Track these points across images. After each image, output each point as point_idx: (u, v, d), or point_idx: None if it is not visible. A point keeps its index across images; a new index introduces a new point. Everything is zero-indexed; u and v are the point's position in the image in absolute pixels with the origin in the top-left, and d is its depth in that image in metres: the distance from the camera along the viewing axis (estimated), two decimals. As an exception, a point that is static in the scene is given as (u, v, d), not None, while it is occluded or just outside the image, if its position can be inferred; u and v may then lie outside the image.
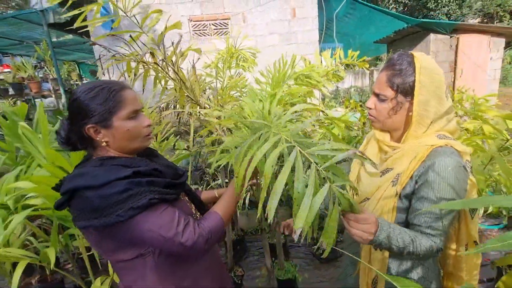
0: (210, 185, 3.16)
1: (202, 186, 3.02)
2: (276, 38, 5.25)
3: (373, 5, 5.27)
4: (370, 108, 0.90)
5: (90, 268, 1.64)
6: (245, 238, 2.75)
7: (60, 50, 8.36)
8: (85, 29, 1.41)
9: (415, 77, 0.81)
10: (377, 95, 0.88)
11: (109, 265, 1.52)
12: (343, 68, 2.16)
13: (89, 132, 0.77)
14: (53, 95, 7.55)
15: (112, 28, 5.13)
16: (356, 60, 2.17)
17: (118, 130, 0.78)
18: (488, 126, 1.55)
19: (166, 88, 1.62)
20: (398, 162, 0.86)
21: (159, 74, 1.52)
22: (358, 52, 2.15)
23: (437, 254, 0.82)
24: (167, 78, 1.54)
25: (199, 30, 5.21)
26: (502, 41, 5.72)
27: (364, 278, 0.94)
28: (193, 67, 1.70)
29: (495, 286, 1.08)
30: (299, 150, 0.61)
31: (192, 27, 5.16)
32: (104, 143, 0.78)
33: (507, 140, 1.01)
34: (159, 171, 0.81)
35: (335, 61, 2.15)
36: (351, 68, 2.32)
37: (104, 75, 1.61)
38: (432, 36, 5.55)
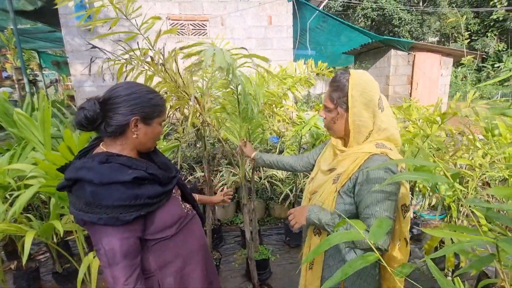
0: (187, 179, 3.31)
1: (181, 179, 3.17)
2: (253, 43, 5.52)
3: (341, 20, 5.75)
4: (323, 117, 1.06)
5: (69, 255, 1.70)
6: (222, 228, 2.95)
7: (21, 37, 7.93)
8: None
9: (348, 92, 0.95)
10: (325, 106, 1.04)
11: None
12: (314, 76, 2.47)
13: (132, 123, 0.87)
14: (16, 85, 7.13)
15: (87, 17, 5.08)
16: (325, 70, 2.49)
17: (151, 130, 0.92)
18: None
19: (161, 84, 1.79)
20: (341, 164, 1.00)
21: (149, 73, 1.68)
22: (326, 64, 2.47)
23: (379, 252, 0.88)
24: (160, 78, 1.71)
25: (177, 29, 5.32)
26: (450, 60, 6.52)
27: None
28: (191, 71, 1.87)
29: (422, 247, 1.37)
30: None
31: (170, 25, 5.26)
32: (135, 135, 0.89)
33: (428, 136, 1.34)
34: (155, 175, 0.90)
35: (307, 70, 2.46)
36: (322, 76, 2.63)
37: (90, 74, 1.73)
38: (393, 51, 6.18)
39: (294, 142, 2.43)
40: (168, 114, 2.03)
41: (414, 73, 6.34)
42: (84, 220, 0.80)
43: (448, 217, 2.18)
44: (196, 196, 1.33)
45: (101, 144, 0.92)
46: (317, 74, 2.53)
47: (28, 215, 1.63)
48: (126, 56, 1.64)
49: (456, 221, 1.77)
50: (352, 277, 0.99)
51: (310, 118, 2.23)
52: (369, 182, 0.89)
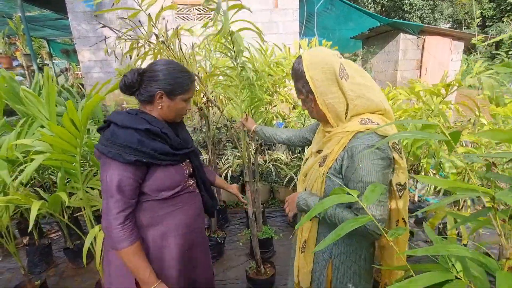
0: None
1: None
2: (259, 27, 5.43)
3: (350, 3, 5.60)
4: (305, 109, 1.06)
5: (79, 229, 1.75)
6: (227, 209, 2.99)
7: (29, 25, 7.99)
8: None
9: (306, 76, 0.91)
10: (301, 100, 1.03)
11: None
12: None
13: (157, 95, 1.00)
14: (26, 72, 7.23)
15: (94, 5, 5.07)
16: (338, 48, 2.43)
17: (174, 105, 1.04)
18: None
19: None
20: (326, 145, 0.96)
21: (163, 53, 1.69)
22: (331, 43, 2.42)
23: (370, 236, 0.84)
24: (168, 57, 1.71)
25: (182, 14, 5.27)
26: (461, 45, 6.31)
27: (298, 244, 1.08)
28: (192, 47, 1.87)
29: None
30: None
31: (176, 10, 5.21)
32: (160, 106, 1.03)
33: (432, 110, 1.31)
34: (167, 135, 1.01)
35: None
36: None
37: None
38: (402, 35, 6.02)
39: (298, 123, 2.41)
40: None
41: (424, 58, 6.17)
42: (99, 151, 0.94)
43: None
44: (216, 178, 1.43)
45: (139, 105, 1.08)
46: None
47: (37, 188, 1.68)
48: (132, 34, 1.64)
49: (460, 201, 1.76)
50: (347, 261, 0.97)
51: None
52: (354, 161, 0.85)
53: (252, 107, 1.69)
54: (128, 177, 0.93)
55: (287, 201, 1.06)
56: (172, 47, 1.69)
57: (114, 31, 1.57)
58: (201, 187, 1.20)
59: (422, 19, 19.69)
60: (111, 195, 0.93)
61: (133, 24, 1.67)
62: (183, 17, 5.26)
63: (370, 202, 0.59)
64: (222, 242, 2.36)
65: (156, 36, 1.62)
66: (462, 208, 2.04)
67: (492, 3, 26.23)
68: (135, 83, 1.00)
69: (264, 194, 3.32)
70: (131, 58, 1.72)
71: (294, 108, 2.88)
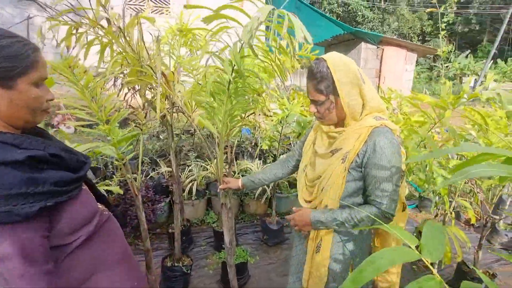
0: (149, 175, 2.92)
1: (141, 176, 2.76)
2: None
3: (316, 9, 5.62)
4: (314, 112, 1.05)
5: None
6: (191, 229, 2.63)
7: None
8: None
9: (333, 78, 0.95)
10: (314, 101, 1.02)
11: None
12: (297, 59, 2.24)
13: None
14: None
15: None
16: (310, 53, 2.27)
17: (22, 95, 0.65)
18: (413, 116, 1.79)
19: (118, 61, 1.41)
20: (346, 143, 1.00)
21: (104, 41, 1.31)
22: (312, 45, 2.25)
23: (386, 220, 0.96)
24: (119, 49, 1.34)
25: (135, 4, 4.74)
26: (414, 56, 6.77)
27: (311, 245, 1.11)
28: (157, 40, 1.50)
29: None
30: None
31: (127, 0, 4.66)
32: None
33: (435, 123, 1.19)
34: (59, 157, 0.69)
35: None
36: (295, 68, 2.37)
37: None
38: (363, 44, 6.23)
39: (274, 132, 2.18)
40: (125, 96, 1.66)
41: (382, 67, 6.48)
42: None
43: (436, 210, 2.11)
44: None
45: None
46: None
47: None
48: (74, 17, 1.24)
49: (446, 216, 1.68)
50: (355, 250, 1.07)
51: (294, 105, 2.00)
52: (376, 152, 0.93)
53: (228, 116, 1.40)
54: (33, 237, 0.61)
55: (293, 219, 1.08)
56: (128, 38, 1.33)
57: (43, 8, 1.16)
58: (107, 204, 0.91)
59: (373, 30, 21.23)
60: (17, 274, 0.58)
61: (72, 6, 1.27)
62: (136, 8, 4.74)
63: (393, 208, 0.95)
64: (188, 271, 2.00)
65: (108, 20, 1.25)
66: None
67: (430, 21, 29.60)
68: None
69: (234, 208, 3.02)
70: (68, 50, 1.31)
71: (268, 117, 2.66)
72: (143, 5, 4.83)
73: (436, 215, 2.18)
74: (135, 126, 1.32)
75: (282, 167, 1.35)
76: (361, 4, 21.31)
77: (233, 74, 1.00)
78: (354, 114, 1.00)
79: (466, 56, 19.75)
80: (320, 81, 0.97)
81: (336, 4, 20.98)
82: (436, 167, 1.56)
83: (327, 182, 1.02)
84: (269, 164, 1.41)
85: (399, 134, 1.02)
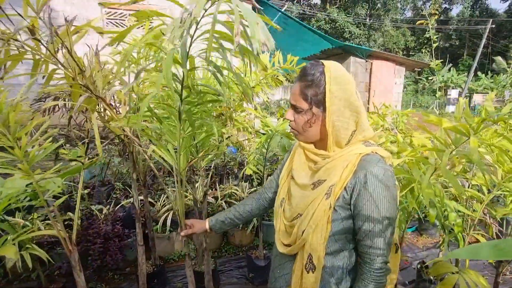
0: (120, 204, 2.57)
1: (109, 206, 2.41)
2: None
3: (304, 24, 5.53)
4: (290, 121, 0.87)
5: None
6: (165, 267, 2.27)
7: None
8: None
9: (325, 87, 0.80)
10: (294, 107, 0.85)
11: None
12: (283, 73, 2.01)
13: None
14: None
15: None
16: (295, 66, 2.04)
17: None
18: (417, 138, 1.55)
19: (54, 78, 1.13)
20: (331, 173, 0.83)
21: (38, 57, 1.03)
22: (297, 58, 2.04)
23: (387, 271, 0.82)
24: (53, 63, 1.06)
25: (115, 19, 4.50)
26: (403, 69, 6.74)
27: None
28: (96, 52, 1.23)
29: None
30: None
31: (106, 14, 4.43)
32: None
33: (452, 150, 0.93)
34: None
35: (274, 65, 1.98)
36: (281, 82, 2.15)
37: None
38: (352, 58, 6.15)
39: (258, 155, 1.91)
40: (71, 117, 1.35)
41: (372, 81, 6.40)
42: None
43: (443, 242, 1.84)
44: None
45: None
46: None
47: None
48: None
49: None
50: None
51: (278, 125, 1.74)
52: (367, 192, 0.77)
53: (196, 142, 1.12)
54: None
55: None
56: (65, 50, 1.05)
57: None
58: None
59: (359, 46, 21.75)
60: None
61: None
62: (116, 23, 4.50)
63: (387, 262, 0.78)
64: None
65: (30, 30, 0.96)
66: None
67: (413, 36, 30.79)
68: None
69: (216, 239, 2.68)
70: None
71: (251, 134, 2.40)
72: (124, 20, 4.60)
73: (441, 243, 1.92)
74: (69, 160, 1.02)
75: (258, 201, 1.13)
76: (347, 21, 21.94)
77: (183, 92, 0.72)
78: (339, 138, 0.82)
79: (449, 70, 20.39)
80: (309, 85, 0.81)
81: (323, 21, 21.51)
82: (448, 200, 1.31)
83: (308, 223, 0.84)
84: (246, 198, 1.13)
85: (391, 162, 0.87)
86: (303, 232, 0.84)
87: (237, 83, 1.37)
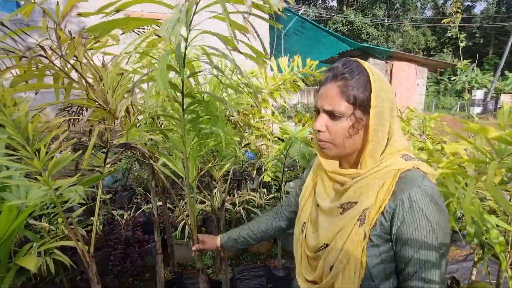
0: (141, 209, 2.59)
1: (130, 211, 2.44)
2: (227, 51, 5.00)
3: (321, 26, 5.45)
4: (320, 131, 0.71)
5: None
6: (184, 275, 2.26)
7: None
8: None
9: (371, 85, 0.67)
10: (329, 113, 0.69)
11: None
12: (301, 77, 1.96)
13: None
14: None
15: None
16: (315, 71, 1.99)
17: None
18: (449, 146, 1.44)
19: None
20: (364, 194, 0.68)
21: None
22: (316, 62, 1.99)
23: None
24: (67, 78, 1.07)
25: (139, 28, 4.63)
26: (425, 70, 6.49)
27: None
28: (103, 64, 1.22)
29: None
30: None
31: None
32: None
33: (498, 162, 0.84)
34: None
35: (292, 70, 1.94)
36: (299, 86, 2.08)
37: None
38: (371, 60, 6.00)
39: (276, 164, 1.86)
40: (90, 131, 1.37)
41: (392, 82, 6.20)
42: None
43: (479, 259, 1.71)
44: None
45: None
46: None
47: None
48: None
49: (504, 273, 1.29)
50: None
51: (298, 132, 1.69)
52: (416, 209, 0.63)
53: (204, 152, 1.09)
54: None
55: None
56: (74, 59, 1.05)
57: None
58: None
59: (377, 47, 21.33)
60: None
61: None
62: (140, 32, 4.63)
63: None
64: None
65: (43, 49, 0.97)
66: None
67: (434, 36, 29.72)
68: None
69: (231, 254, 2.64)
70: None
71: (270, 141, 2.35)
72: (145, 30, 4.72)
73: (477, 260, 1.77)
74: (88, 170, 1.02)
75: (273, 221, 1.01)
76: (365, 23, 21.54)
77: (185, 100, 0.69)
78: (377, 149, 0.69)
79: (472, 69, 19.49)
80: (351, 84, 0.67)
81: (340, 23, 21.23)
82: (488, 215, 1.20)
83: (338, 256, 0.68)
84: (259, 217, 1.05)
85: (434, 180, 0.72)
86: (331, 268, 0.69)
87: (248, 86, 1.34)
